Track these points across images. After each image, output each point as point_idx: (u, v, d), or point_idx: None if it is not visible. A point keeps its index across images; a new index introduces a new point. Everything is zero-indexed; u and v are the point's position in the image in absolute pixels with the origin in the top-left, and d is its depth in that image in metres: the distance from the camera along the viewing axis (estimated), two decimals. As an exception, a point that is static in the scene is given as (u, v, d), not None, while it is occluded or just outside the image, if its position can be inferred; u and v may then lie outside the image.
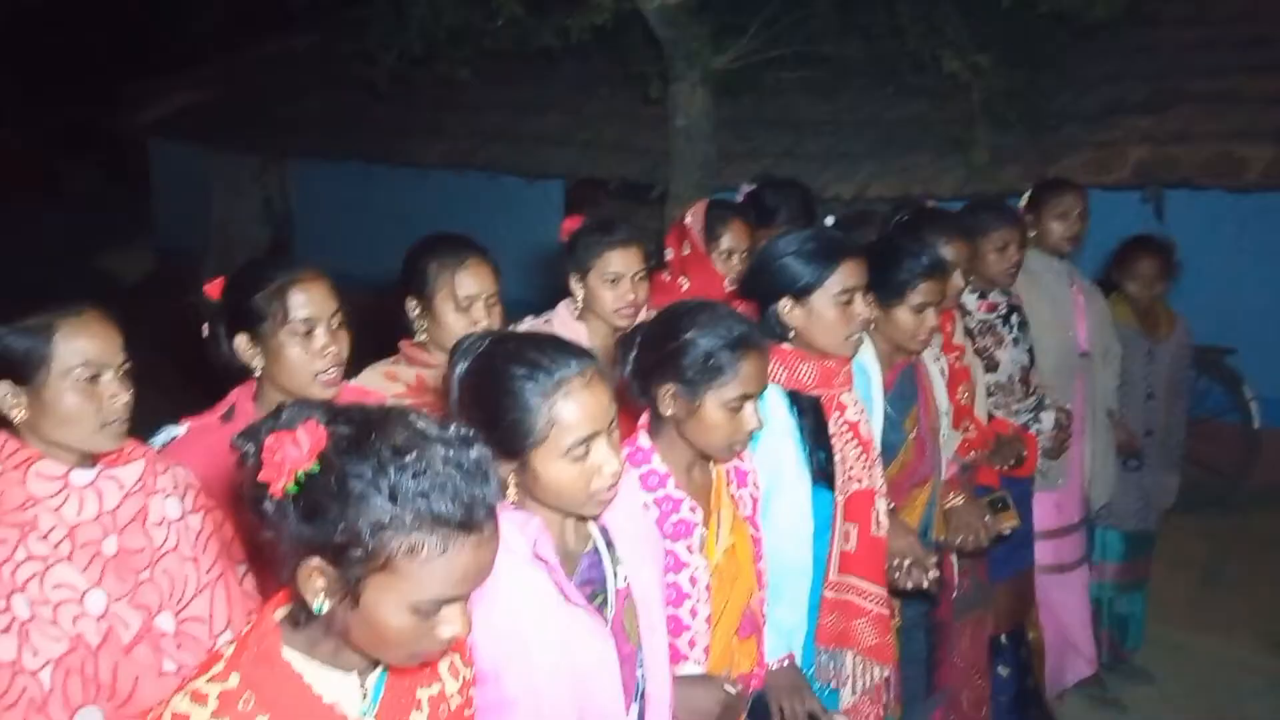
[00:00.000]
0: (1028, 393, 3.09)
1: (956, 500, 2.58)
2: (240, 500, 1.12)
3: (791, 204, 3.33)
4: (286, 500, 1.04)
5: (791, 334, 2.15)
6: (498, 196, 7.82)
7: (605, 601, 1.54)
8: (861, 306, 2.10)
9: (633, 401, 1.87)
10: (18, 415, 1.54)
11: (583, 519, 1.55)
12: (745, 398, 1.75)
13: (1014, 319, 3.11)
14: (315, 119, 8.76)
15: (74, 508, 1.55)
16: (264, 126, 9.16)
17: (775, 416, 2.07)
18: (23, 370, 1.52)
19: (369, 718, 1.16)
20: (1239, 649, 4.01)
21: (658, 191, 6.20)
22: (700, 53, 5.51)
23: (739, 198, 3.37)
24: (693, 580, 1.76)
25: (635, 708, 1.57)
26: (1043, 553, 3.28)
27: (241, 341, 1.87)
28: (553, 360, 1.39)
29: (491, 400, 1.40)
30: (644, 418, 1.87)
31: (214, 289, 1.91)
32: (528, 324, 2.56)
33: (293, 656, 1.12)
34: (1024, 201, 3.37)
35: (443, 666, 1.29)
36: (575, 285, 2.53)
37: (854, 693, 2.17)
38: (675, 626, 1.74)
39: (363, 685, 1.17)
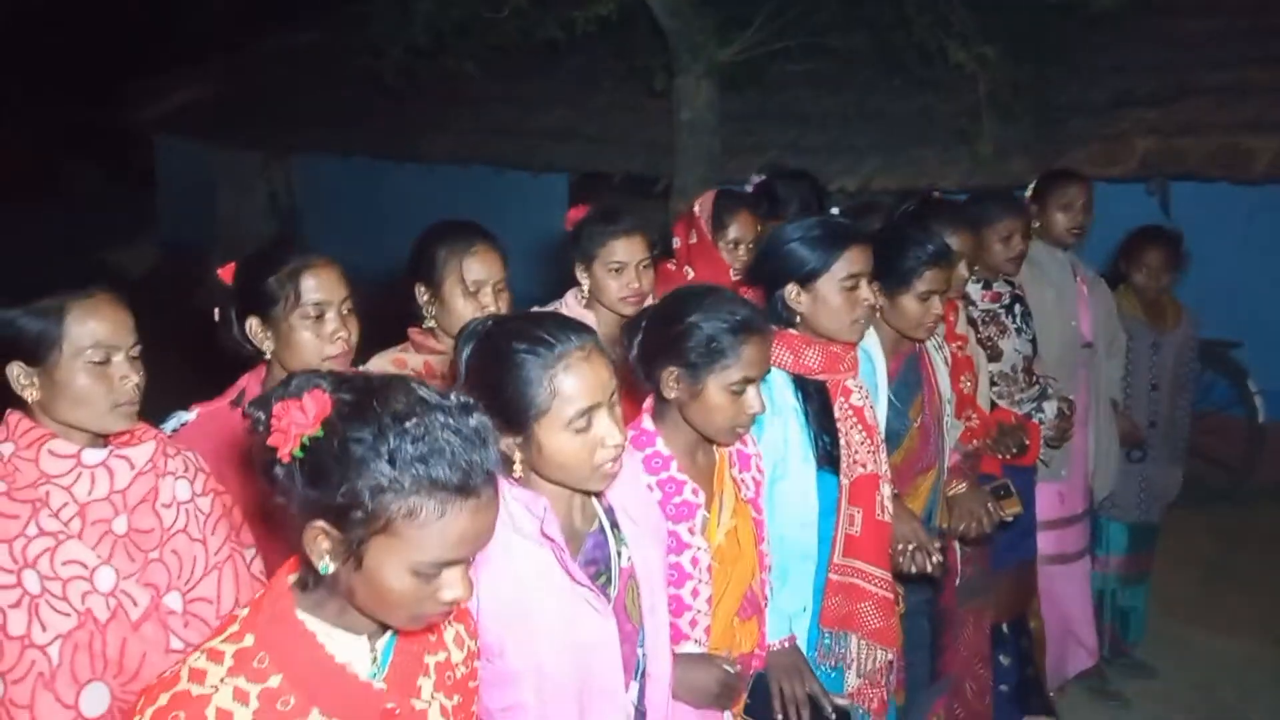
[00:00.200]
0: (1031, 382, 3.10)
1: (960, 488, 2.59)
2: (252, 467, 1.15)
3: (802, 195, 3.34)
4: (293, 464, 1.08)
5: (797, 319, 2.17)
6: (502, 191, 7.84)
7: (609, 581, 1.56)
8: (866, 292, 2.13)
9: (637, 385, 1.89)
10: (31, 395, 1.56)
11: (588, 496, 1.57)
12: (747, 381, 1.77)
13: (1017, 309, 3.12)
14: (320, 114, 8.78)
15: (85, 486, 1.57)
16: (268, 122, 9.18)
17: (781, 400, 2.09)
18: (35, 351, 1.54)
19: (379, 680, 1.18)
20: (1242, 645, 4.00)
21: (662, 185, 6.21)
22: (705, 45, 5.52)
23: (748, 189, 3.38)
24: (694, 561, 1.78)
25: (635, 685, 1.59)
26: (1045, 543, 3.28)
27: (253, 324, 1.90)
28: (553, 335, 1.44)
29: (495, 376, 1.43)
30: (648, 401, 1.89)
31: (227, 273, 1.95)
32: (535, 312, 2.58)
33: (305, 618, 1.15)
34: (1029, 192, 3.38)
35: (448, 636, 1.31)
36: (581, 274, 2.56)
37: (858, 675, 2.19)
38: (677, 607, 1.76)
39: (372, 649, 1.19)
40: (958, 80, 5.54)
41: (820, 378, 2.16)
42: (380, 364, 2.26)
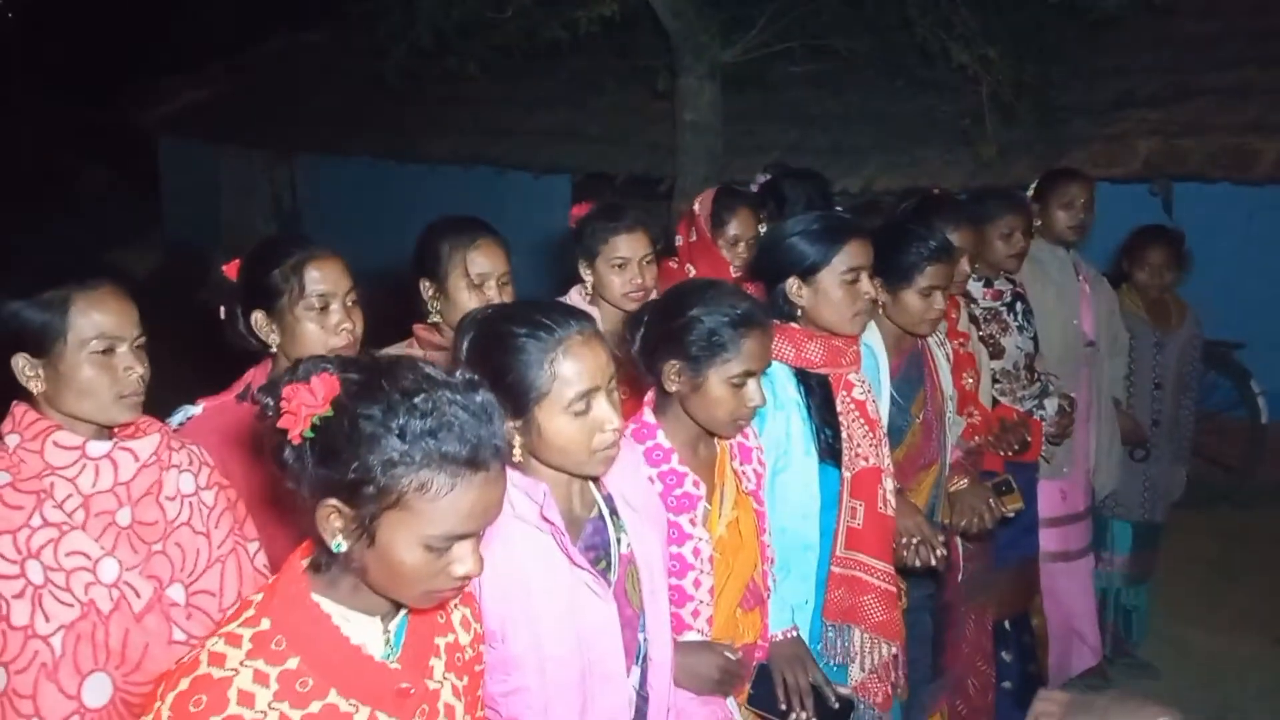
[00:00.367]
0: (1032, 379, 3.11)
1: (961, 484, 2.59)
2: (262, 453, 1.15)
3: (809, 195, 3.34)
4: (304, 445, 1.09)
5: (799, 313, 2.18)
6: (505, 192, 7.85)
7: (609, 566, 1.57)
8: (867, 285, 2.14)
9: (639, 380, 1.89)
10: (36, 387, 1.56)
11: (586, 481, 1.58)
12: (748, 374, 1.79)
13: (1018, 306, 3.13)
14: (323, 115, 8.81)
15: (89, 478, 1.57)
16: (272, 123, 9.21)
17: (783, 394, 2.10)
18: (39, 343, 1.54)
19: (393, 660, 1.20)
20: (1244, 645, 4.00)
21: (665, 186, 6.21)
22: (708, 46, 5.53)
23: (754, 188, 3.39)
24: (696, 552, 1.79)
25: (637, 670, 1.60)
26: (1048, 540, 3.29)
27: (259, 318, 1.90)
28: (553, 320, 1.46)
29: (496, 360, 1.45)
30: (649, 395, 1.90)
31: (231, 269, 1.96)
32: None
33: (320, 600, 1.16)
34: (1031, 191, 3.38)
35: (455, 618, 1.32)
36: (584, 270, 2.57)
37: (862, 669, 2.19)
38: (679, 597, 1.77)
39: (386, 630, 1.21)
40: (960, 81, 5.55)
41: (822, 371, 2.17)
42: (384, 358, 2.27)
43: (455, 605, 1.32)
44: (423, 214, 2.37)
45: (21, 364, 1.55)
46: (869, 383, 2.25)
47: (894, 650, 2.22)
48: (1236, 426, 5.31)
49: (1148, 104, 5.44)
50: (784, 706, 1.92)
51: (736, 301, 1.80)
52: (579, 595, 1.49)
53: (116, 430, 1.63)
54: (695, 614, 1.79)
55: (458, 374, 1.15)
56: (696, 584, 1.79)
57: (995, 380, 3.02)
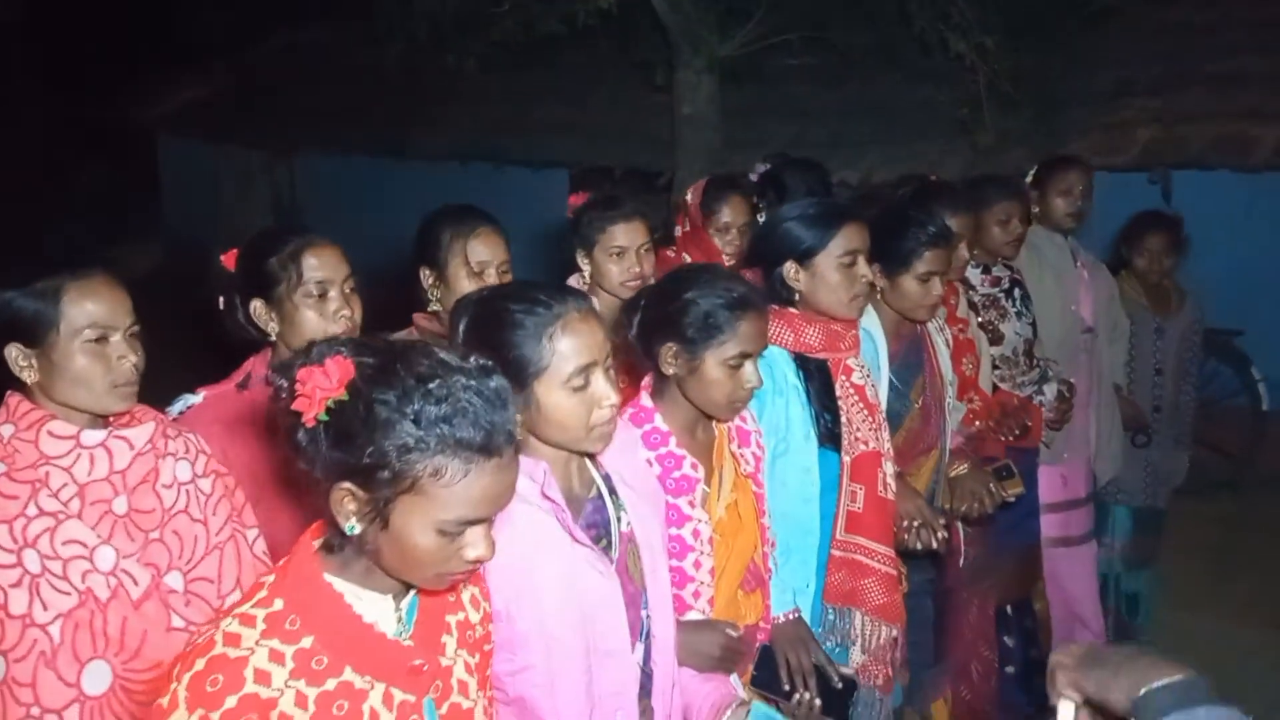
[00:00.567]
0: (1031, 365, 3.11)
1: (961, 469, 2.59)
2: (274, 435, 1.15)
3: (810, 185, 3.33)
4: (318, 428, 1.10)
5: (797, 297, 2.18)
6: (504, 187, 7.84)
7: (609, 545, 1.58)
8: (864, 268, 2.14)
9: (636, 366, 1.89)
10: (29, 377, 1.57)
11: (584, 459, 1.59)
12: (744, 356, 1.79)
13: (1017, 293, 3.13)
14: (322, 113, 8.80)
15: (84, 467, 1.57)
16: (271, 121, 9.20)
17: (782, 379, 2.11)
18: (33, 332, 1.54)
19: (406, 638, 1.21)
20: (1246, 631, 3.99)
21: (664, 180, 6.21)
22: (706, 40, 5.52)
23: (753, 178, 3.38)
24: (695, 534, 1.79)
25: (640, 647, 1.61)
26: (1049, 525, 3.29)
27: (257, 307, 1.91)
28: (549, 298, 1.47)
29: (495, 338, 1.45)
30: (647, 379, 1.91)
31: (229, 259, 1.96)
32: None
33: (333, 580, 1.17)
34: (1029, 178, 3.38)
35: (465, 597, 1.33)
36: (582, 260, 2.57)
37: (863, 652, 2.19)
38: (680, 579, 1.77)
39: (397, 608, 1.22)
40: (958, 71, 5.54)
41: (821, 356, 2.17)
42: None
43: (465, 584, 1.33)
44: (422, 210, 2.38)
45: (15, 354, 1.55)
46: (868, 367, 2.26)
47: (895, 633, 2.22)
48: (1237, 413, 5.30)
49: (1146, 92, 5.42)
50: (787, 687, 1.92)
51: (732, 284, 1.81)
52: (581, 572, 1.49)
53: (111, 419, 1.63)
54: (696, 595, 1.79)
55: (472, 359, 1.15)
56: (697, 565, 1.79)
57: (995, 366, 3.02)
